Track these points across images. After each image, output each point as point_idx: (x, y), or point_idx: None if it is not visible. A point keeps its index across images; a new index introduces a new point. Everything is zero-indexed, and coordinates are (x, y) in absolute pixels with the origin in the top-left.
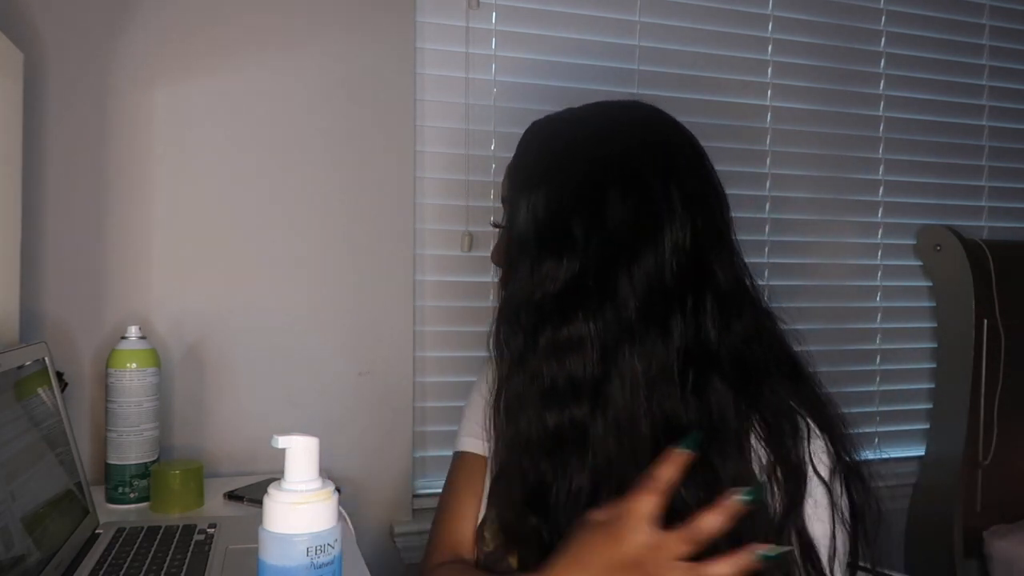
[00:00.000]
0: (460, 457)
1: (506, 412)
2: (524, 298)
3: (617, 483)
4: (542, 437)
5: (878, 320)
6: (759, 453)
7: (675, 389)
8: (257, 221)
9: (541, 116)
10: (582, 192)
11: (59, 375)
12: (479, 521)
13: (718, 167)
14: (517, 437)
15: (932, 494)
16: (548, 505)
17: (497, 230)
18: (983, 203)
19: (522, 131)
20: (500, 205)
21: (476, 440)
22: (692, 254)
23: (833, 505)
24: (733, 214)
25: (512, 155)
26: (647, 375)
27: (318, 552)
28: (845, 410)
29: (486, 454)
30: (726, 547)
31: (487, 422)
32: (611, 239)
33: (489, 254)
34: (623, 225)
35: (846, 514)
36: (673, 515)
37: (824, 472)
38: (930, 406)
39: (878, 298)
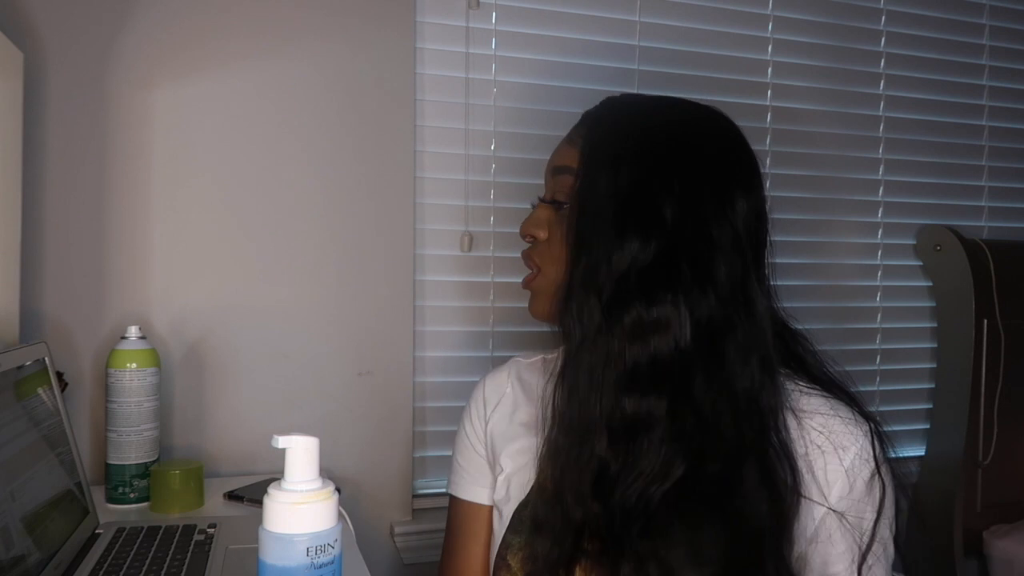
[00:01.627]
0: (461, 504)
1: (571, 394)
2: (604, 274)
3: (692, 468)
4: (616, 421)
5: (878, 320)
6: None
7: (768, 375)
8: (257, 221)
9: (541, 116)
10: (675, 177)
11: (59, 375)
12: (495, 553)
13: None
14: (585, 420)
15: (932, 494)
16: (610, 491)
17: (543, 203)
18: (983, 203)
19: (522, 131)
20: (498, 202)
21: (479, 488)
22: (755, 259)
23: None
24: None
25: (579, 129)
26: (748, 359)
27: (318, 552)
28: None
29: (489, 503)
30: None
31: (494, 463)
32: (704, 228)
33: (493, 254)
34: (716, 219)
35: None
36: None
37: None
38: (930, 406)
39: (878, 298)
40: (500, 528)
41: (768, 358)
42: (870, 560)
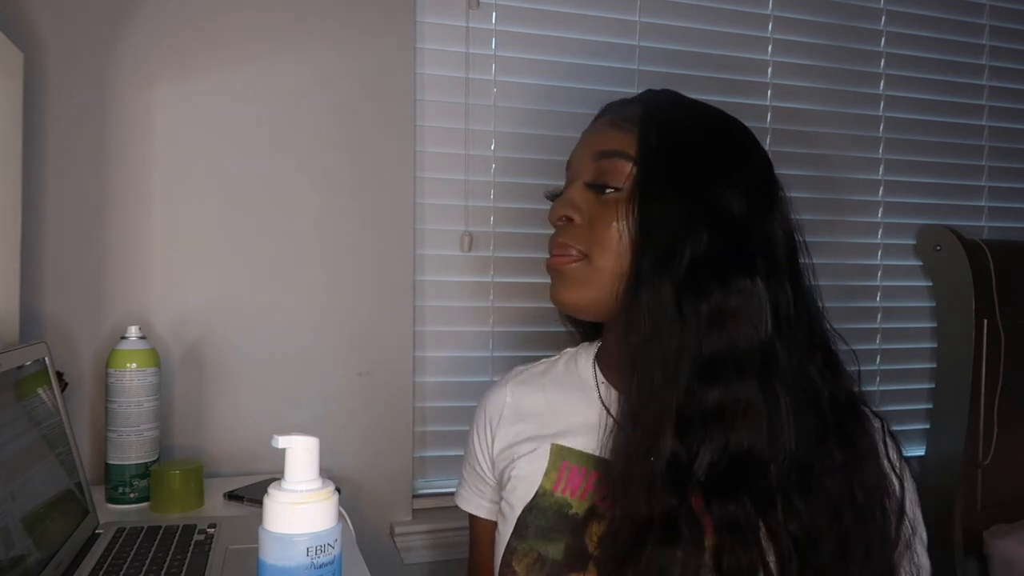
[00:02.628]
0: (472, 518)
1: (641, 386)
2: (678, 264)
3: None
4: (694, 411)
5: (878, 320)
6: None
7: (834, 367)
8: (257, 221)
9: (541, 116)
10: (739, 175)
11: (59, 375)
12: (500, 559)
13: None
14: (658, 412)
15: (932, 494)
16: (682, 485)
17: (584, 187)
18: (983, 203)
19: (522, 131)
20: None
21: (484, 503)
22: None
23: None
24: None
25: (628, 116)
26: (816, 350)
27: (318, 552)
28: None
29: (493, 518)
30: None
31: (501, 476)
32: (767, 229)
33: (493, 254)
34: (773, 224)
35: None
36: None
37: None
38: (930, 406)
39: (878, 298)
40: (505, 533)
41: (829, 350)
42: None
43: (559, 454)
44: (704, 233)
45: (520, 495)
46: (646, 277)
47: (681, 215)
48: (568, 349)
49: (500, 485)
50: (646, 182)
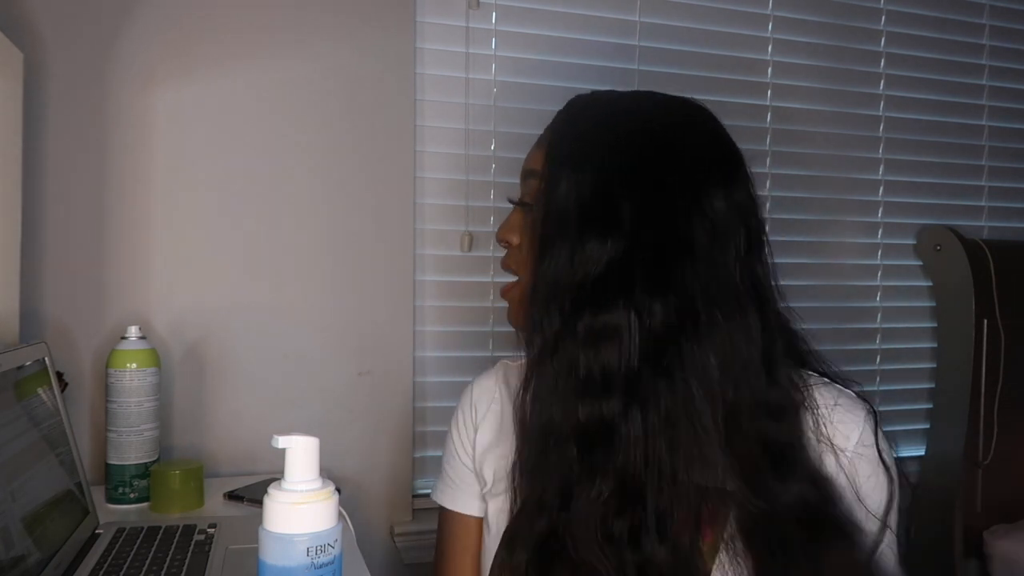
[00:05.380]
0: (448, 515)
1: (534, 402)
2: (563, 279)
3: (653, 486)
4: (573, 430)
5: (878, 320)
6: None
7: (759, 381)
8: (257, 221)
9: (541, 116)
10: (638, 176)
11: (59, 375)
12: (487, 571)
13: None
14: (547, 429)
15: (932, 494)
16: (568, 510)
17: (517, 207)
18: (983, 203)
19: (522, 131)
20: (498, 202)
21: (467, 499)
22: (746, 257)
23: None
24: None
25: (547, 132)
26: (723, 367)
27: (318, 552)
28: None
29: (478, 514)
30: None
31: (480, 473)
32: (669, 228)
33: (493, 254)
34: (688, 217)
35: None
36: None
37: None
38: (930, 406)
39: (878, 298)
40: (491, 543)
41: (767, 355)
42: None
43: None
44: (592, 246)
45: (508, 502)
46: (538, 294)
47: (571, 230)
48: None
49: (481, 482)
50: (543, 198)
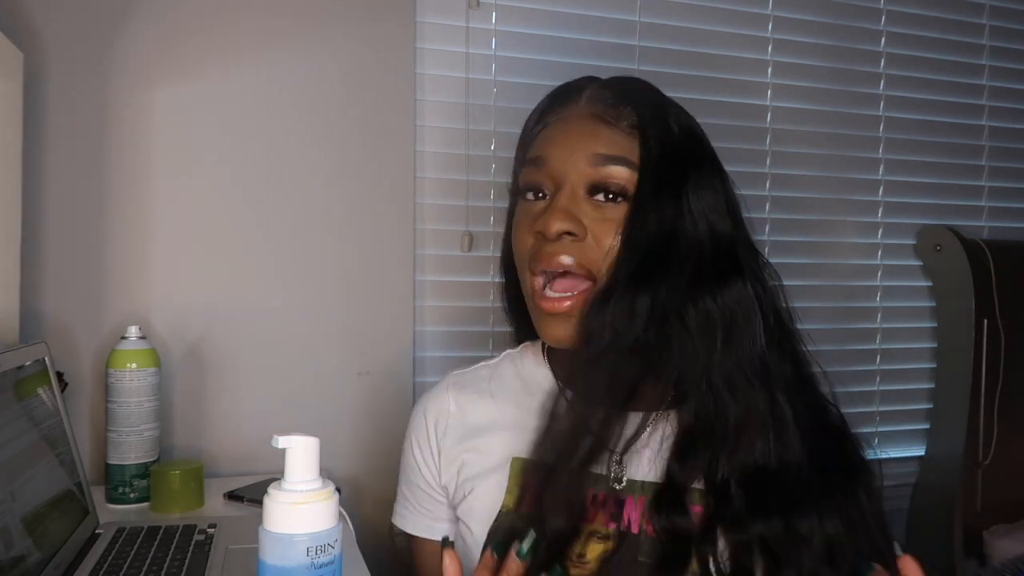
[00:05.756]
0: (418, 542)
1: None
2: (664, 283)
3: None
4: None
5: (878, 320)
6: None
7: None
8: (257, 221)
9: None
10: (724, 182)
11: (59, 375)
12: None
13: None
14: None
15: (932, 494)
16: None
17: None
18: (983, 203)
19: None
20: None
21: (429, 522)
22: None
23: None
24: None
25: (634, 117)
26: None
27: (318, 552)
28: (845, 410)
29: (438, 537)
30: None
31: (452, 487)
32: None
33: (493, 254)
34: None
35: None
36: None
37: None
38: (930, 406)
39: (878, 298)
40: (474, 545)
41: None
42: None
43: (521, 468)
44: (703, 243)
45: (479, 516)
46: (622, 290)
47: (676, 224)
48: (508, 351)
49: (452, 504)
50: (646, 192)
